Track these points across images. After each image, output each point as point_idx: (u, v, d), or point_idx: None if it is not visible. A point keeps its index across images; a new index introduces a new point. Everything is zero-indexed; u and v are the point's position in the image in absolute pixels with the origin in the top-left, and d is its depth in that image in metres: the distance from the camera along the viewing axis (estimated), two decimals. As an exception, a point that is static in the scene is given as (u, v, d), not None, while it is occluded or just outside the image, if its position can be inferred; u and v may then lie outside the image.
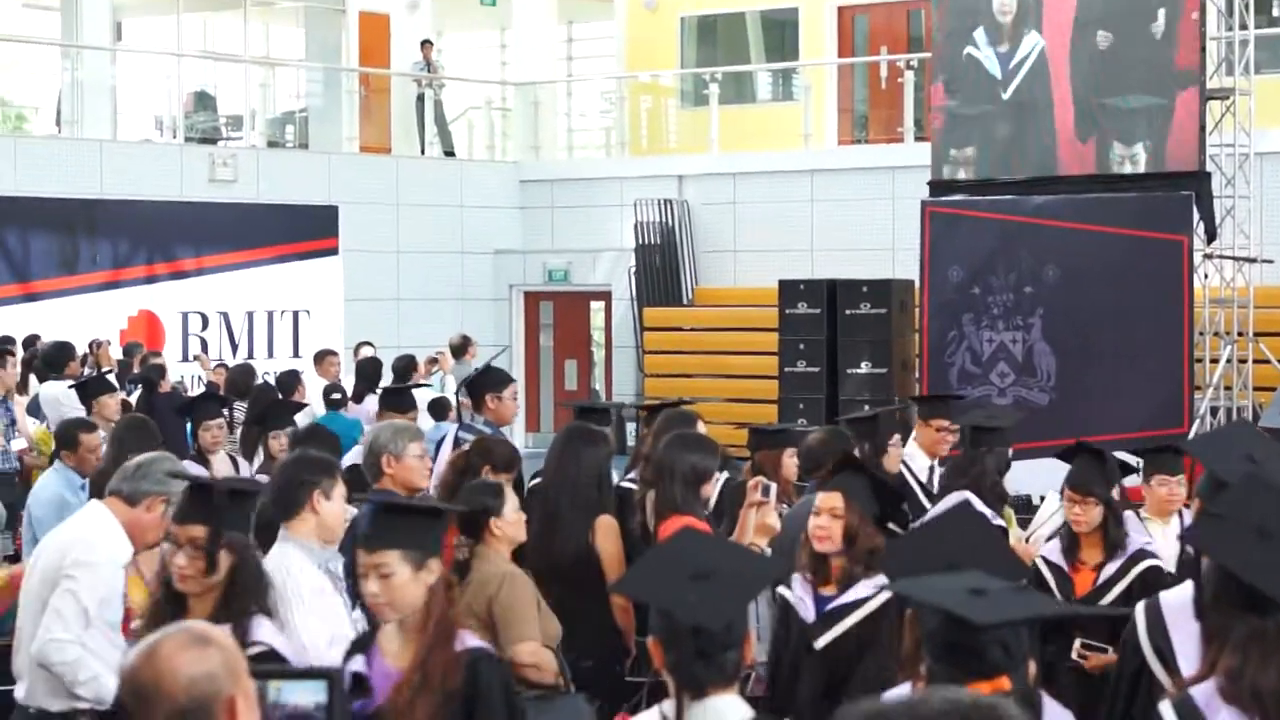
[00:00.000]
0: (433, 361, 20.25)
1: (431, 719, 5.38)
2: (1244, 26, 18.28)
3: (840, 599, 6.76)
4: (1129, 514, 8.60)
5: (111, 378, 15.93)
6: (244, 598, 5.84)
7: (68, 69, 25.25)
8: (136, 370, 18.25)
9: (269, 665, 6.05)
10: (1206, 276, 17.82)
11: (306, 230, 24.63)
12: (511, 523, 7.73)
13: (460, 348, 20.00)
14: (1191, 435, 15.22)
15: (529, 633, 7.53)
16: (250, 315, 24.22)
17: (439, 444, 11.04)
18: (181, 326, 23.51)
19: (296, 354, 23.97)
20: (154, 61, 26.89)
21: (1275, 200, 19.38)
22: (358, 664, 5.55)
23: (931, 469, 10.84)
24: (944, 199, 17.71)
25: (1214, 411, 17.64)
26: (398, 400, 13.01)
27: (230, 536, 5.86)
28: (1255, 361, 18.19)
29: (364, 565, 5.55)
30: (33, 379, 16.92)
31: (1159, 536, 8.47)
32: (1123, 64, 16.85)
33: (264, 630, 5.82)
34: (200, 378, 20.98)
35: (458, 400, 14.76)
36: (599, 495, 8.69)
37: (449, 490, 8.37)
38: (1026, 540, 9.32)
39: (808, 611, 6.80)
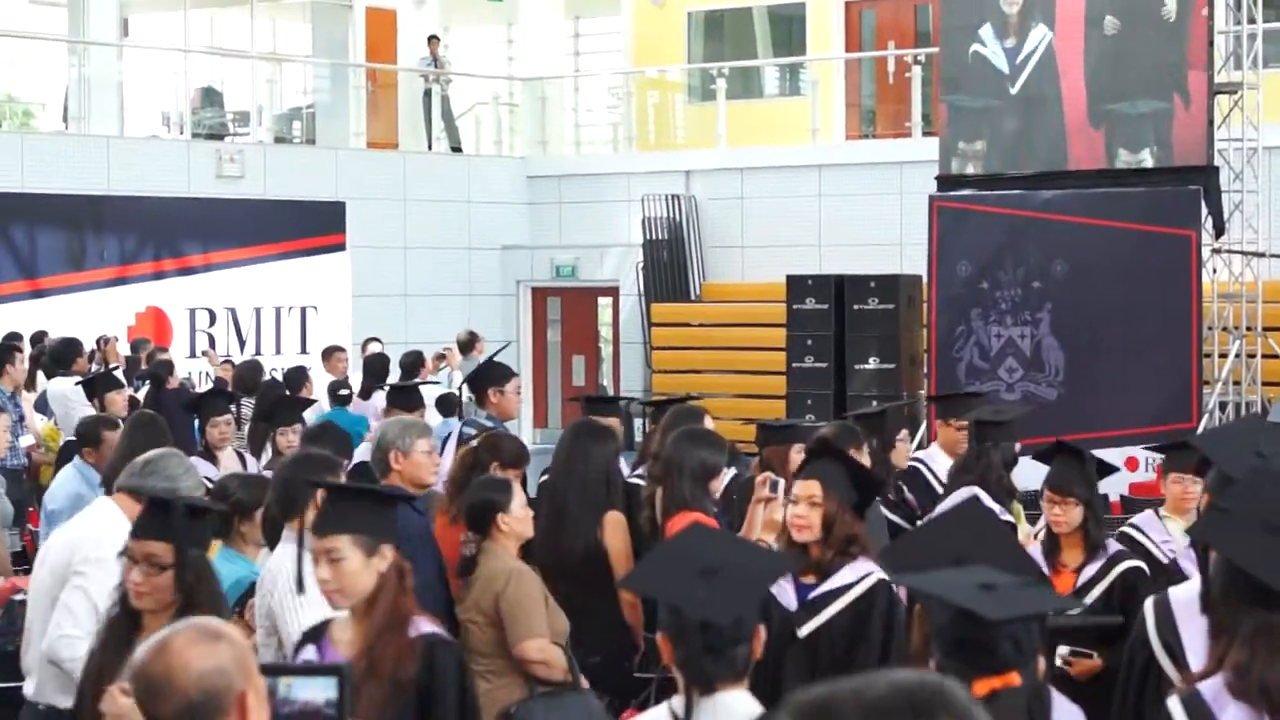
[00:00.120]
0: (440, 358, 20.23)
1: (380, 707, 5.29)
2: (1252, 21, 18.26)
3: (822, 587, 6.67)
4: (1148, 512, 8.57)
5: (119, 374, 15.97)
6: (199, 616, 5.70)
7: (75, 65, 25.26)
8: (144, 366, 18.26)
9: (279, 662, 6.09)
10: (1215, 271, 17.81)
11: (314, 226, 24.63)
12: (519, 519, 7.73)
13: (468, 344, 20.00)
14: (1200, 430, 15.20)
15: (537, 629, 7.53)
16: (258, 311, 24.22)
17: (446, 440, 11.04)
18: (189, 323, 23.52)
19: (304, 350, 23.97)
20: (161, 57, 26.90)
21: (1284, 194, 19.38)
22: (309, 654, 5.50)
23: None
24: (952, 194, 17.69)
25: (1223, 406, 17.62)
26: (405, 397, 13.01)
27: (187, 555, 5.69)
28: (1264, 356, 18.19)
29: (315, 550, 5.50)
30: (40, 375, 16.92)
31: (1178, 534, 8.42)
32: (1130, 61, 16.82)
33: None
34: (208, 374, 20.98)
35: (462, 395, 14.76)
36: (607, 491, 8.70)
37: (457, 486, 8.38)
38: (1035, 536, 9.30)
39: (789, 600, 6.70)
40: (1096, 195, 16.81)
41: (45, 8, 28.40)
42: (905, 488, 10.69)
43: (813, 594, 6.68)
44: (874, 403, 16.66)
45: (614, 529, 8.54)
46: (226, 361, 20.43)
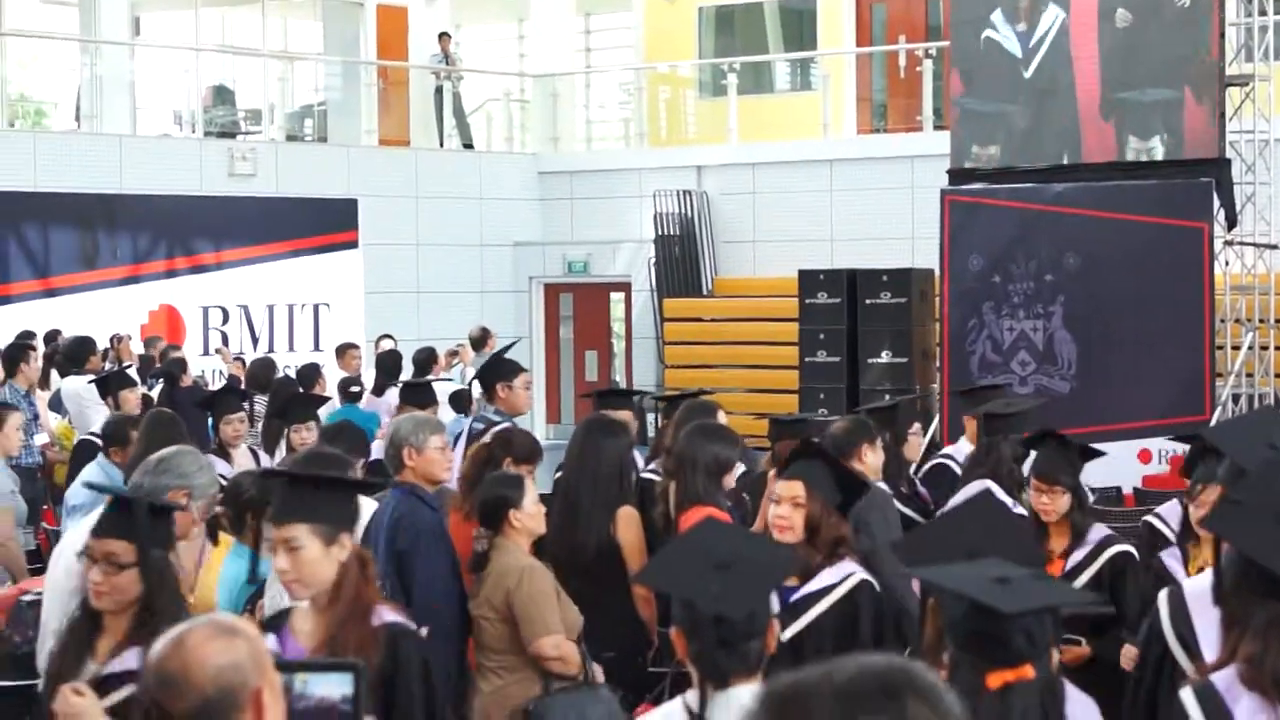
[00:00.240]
0: (453, 354, 20.26)
1: None
2: (1263, 13, 18.23)
3: (805, 589, 6.58)
4: (1173, 501, 8.56)
5: (133, 372, 15.99)
6: (159, 617, 5.40)
7: (86, 64, 25.29)
8: (158, 365, 18.29)
9: (295, 659, 6.10)
10: (1227, 263, 17.79)
11: (326, 223, 24.66)
12: (531, 515, 7.74)
13: (480, 340, 20.02)
14: (1213, 422, 15.19)
15: (552, 625, 7.55)
16: (270, 309, 24.25)
17: (459, 436, 11.06)
18: (202, 321, 23.55)
19: (317, 347, 24.00)
20: (172, 56, 26.93)
21: (1295, 186, 19.35)
22: (270, 643, 5.28)
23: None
24: (963, 188, 17.68)
25: (1235, 398, 17.60)
26: (418, 395, 13.02)
27: (148, 554, 5.55)
28: (1277, 348, 18.17)
29: (273, 539, 5.43)
30: (54, 374, 16.96)
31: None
32: (1142, 53, 16.80)
33: None
34: (221, 371, 21.02)
35: (473, 392, 14.78)
36: (620, 487, 8.70)
37: (470, 482, 8.39)
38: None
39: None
40: (1108, 188, 16.79)
41: (57, 7, 28.44)
42: (920, 482, 10.70)
43: (794, 596, 6.56)
44: (886, 397, 16.67)
45: (627, 524, 8.55)
46: (238, 359, 20.46)
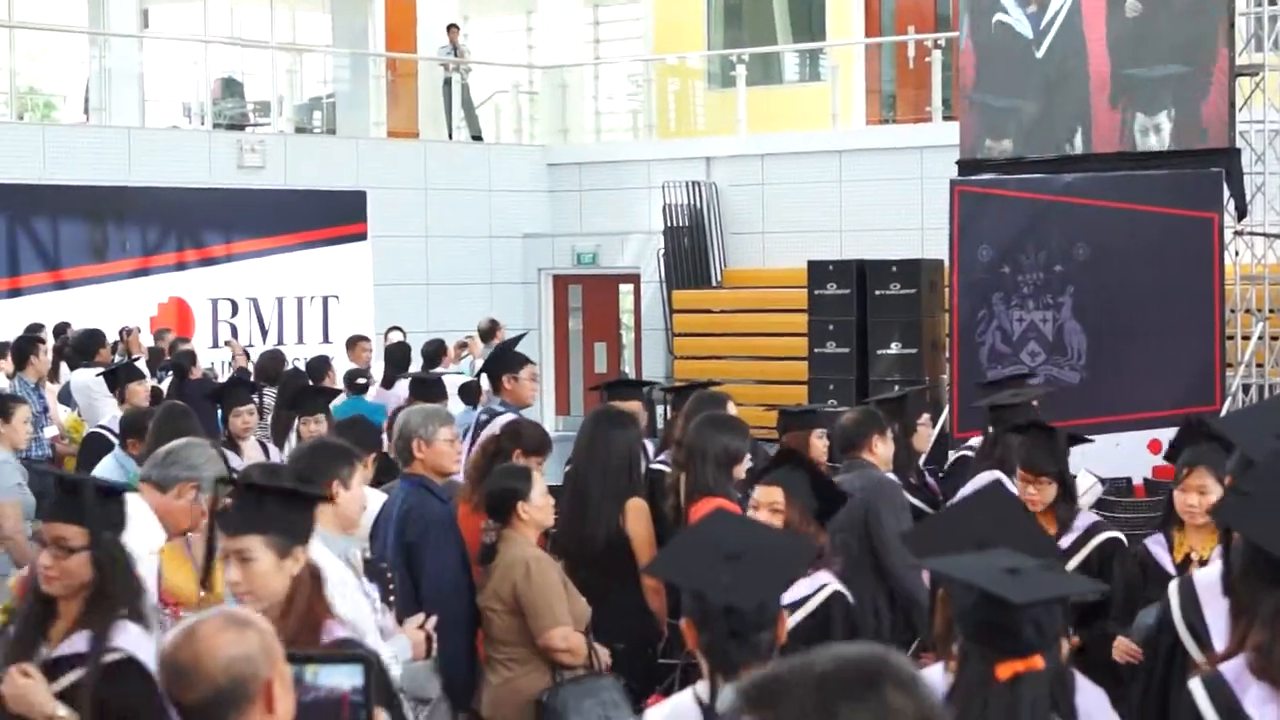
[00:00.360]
0: (462, 346, 20.28)
1: None
2: (1273, 2, 18.19)
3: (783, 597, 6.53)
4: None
5: (142, 365, 16.01)
6: (110, 601, 5.39)
7: (95, 57, 25.31)
8: (167, 357, 18.31)
9: (305, 650, 6.10)
10: (1237, 253, 17.75)
11: (335, 216, 24.68)
12: (539, 507, 7.75)
13: (489, 332, 20.03)
14: (1223, 413, 15.18)
15: (561, 617, 7.56)
16: (280, 301, 24.28)
17: (469, 429, 11.06)
18: (211, 313, 23.58)
19: (326, 339, 24.03)
20: (181, 48, 26.95)
21: (1306, 177, 19.32)
22: None
23: None
24: (973, 178, 17.66)
25: (1246, 389, 17.58)
26: (428, 390, 13.02)
27: (99, 538, 5.44)
28: (1287, 338, 18.15)
29: (225, 549, 5.34)
30: (64, 366, 16.98)
31: None
32: (1150, 37, 16.77)
33: (128, 636, 5.38)
34: (226, 363, 21.03)
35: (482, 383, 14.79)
36: (629, 479, 8.70)
37: (479, 474, 8.39)
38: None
39: None
40: (1118, 178, 16.76)
41: (65, -1, 28.49)
42: (944, 475, 10.70)
43: None
44: (896, 388, 16.66)
45: (636, 516, 8.55)
46: (243, 351, 20.47)
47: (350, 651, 4.85)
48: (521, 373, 11.15)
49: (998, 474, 8.89)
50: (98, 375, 14.62)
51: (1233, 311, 17.45)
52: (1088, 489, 9.47)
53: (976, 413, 11.78)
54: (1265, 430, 5.70)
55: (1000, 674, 4.21)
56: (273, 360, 17.20)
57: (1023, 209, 17.14)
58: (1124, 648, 7.11)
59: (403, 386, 15.44)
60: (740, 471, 8.35)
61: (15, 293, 21.75)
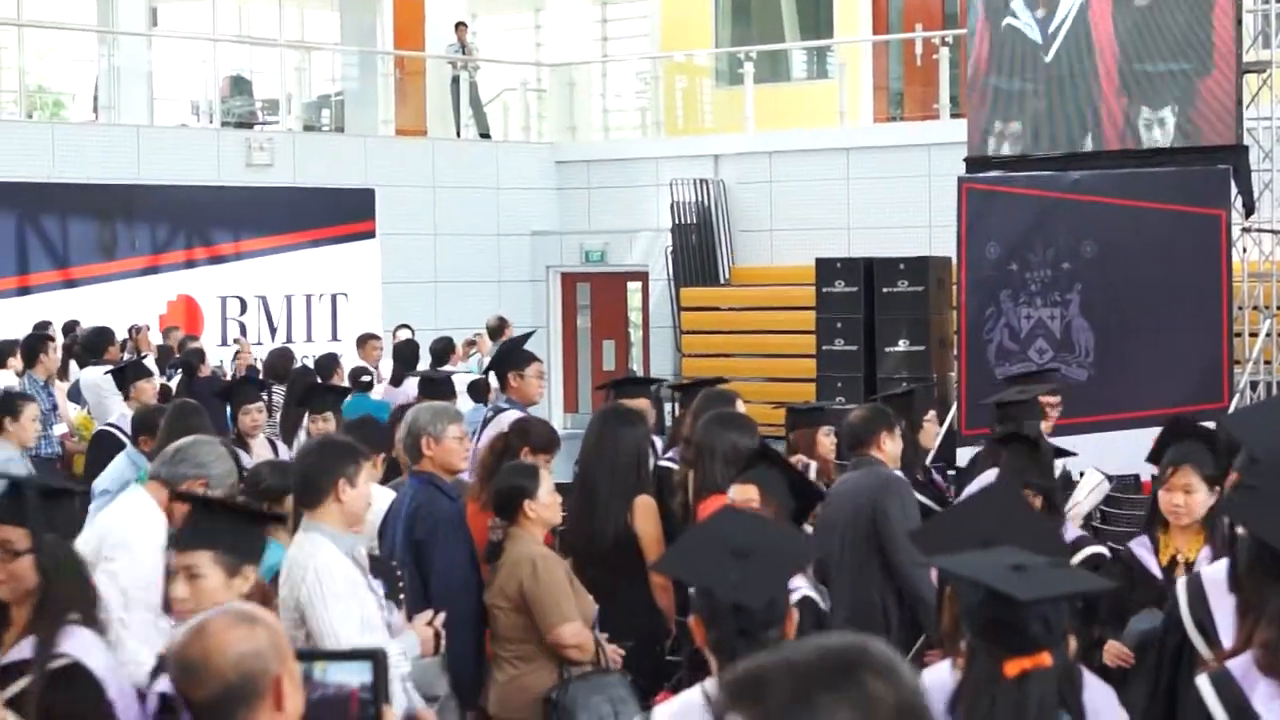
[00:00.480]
0: (470, 344, 20.29)
1: None
2: (1281, -1, 18.20)
3: None
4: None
5: (152, 362, 16.03)
6: (57, 606, 5.17)
7: (104, 55, 25.34)
8: (176, 355, 18.33)
9: (313, 648, 6.11)
10: (1245, 250, 17.75)
11: (343, 213, 24.70)
12: (546, 505, 7.75)
13: (497, 330, 20.03)
14: (1231, 409, 15.17)
15: (569, 614, 7.57)
16: (289, 299, 24.30)
17: (478, 427, 11.07)
18: (220, 311, 23.61)
19: (335, 337, 24.05)
20: (190, 46, 26.97)
21: (1314, 173, 19.30)
22: (162, 685, 5.02)
23: None
24: (980, 175, 17.65)
25: (1254, 386, 17.57)
26: (436, 388, 13.03)
27: (41, 540, 5.24)
28: (1294, 335, 18.13)
29: (174, 565, 5.25)
30: (73, 364, 17.00)
31: None
32: (1157, 33, 16.76)
33: (77, 642, 5.15)
34: (230, 361, 21.05)
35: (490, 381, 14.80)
36: (637, 476, 8.70)
37: (488, 471, 8.40)
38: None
39: None
40: (1125, 175, 16.75)
41: (74, -2, 28.50)
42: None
43: None
44: (904, 385, 16.67)
45: (644, 513, 8.56)
46: (241, 350, 20.46)
47: (360, 649, 4.85)
48: (528, 370, 11.15)
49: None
50: (106, 373, 14.65)
51: (1240, 308, 17.44)
52: (1095, 486, 9.47)
53: (985, 410, 11.78)
54: (1271, 427, 5.71)
55: (1008, 671, 4.22)
56: (281, 358, 17.23)
57: (1030, 206, 17.14)
58: (1115, 651, 7.07)
59: (411, 384, 15.46)
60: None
61: (25, 291, 21.78)
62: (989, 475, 8.87)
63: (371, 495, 7.05)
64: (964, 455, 13.92)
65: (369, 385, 16.47)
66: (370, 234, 24.93)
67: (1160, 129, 16.74)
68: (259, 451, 11.13)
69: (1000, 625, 4.23)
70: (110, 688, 5.02)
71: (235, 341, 22.04)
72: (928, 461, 11.03)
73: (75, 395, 15.75)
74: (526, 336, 13.01)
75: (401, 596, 7.13)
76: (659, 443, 10.56)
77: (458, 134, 27.42)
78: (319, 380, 15.37)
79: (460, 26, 27.93)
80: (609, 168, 26.99)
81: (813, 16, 29.58)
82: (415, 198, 25.51)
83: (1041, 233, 17.00)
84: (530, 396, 11.14)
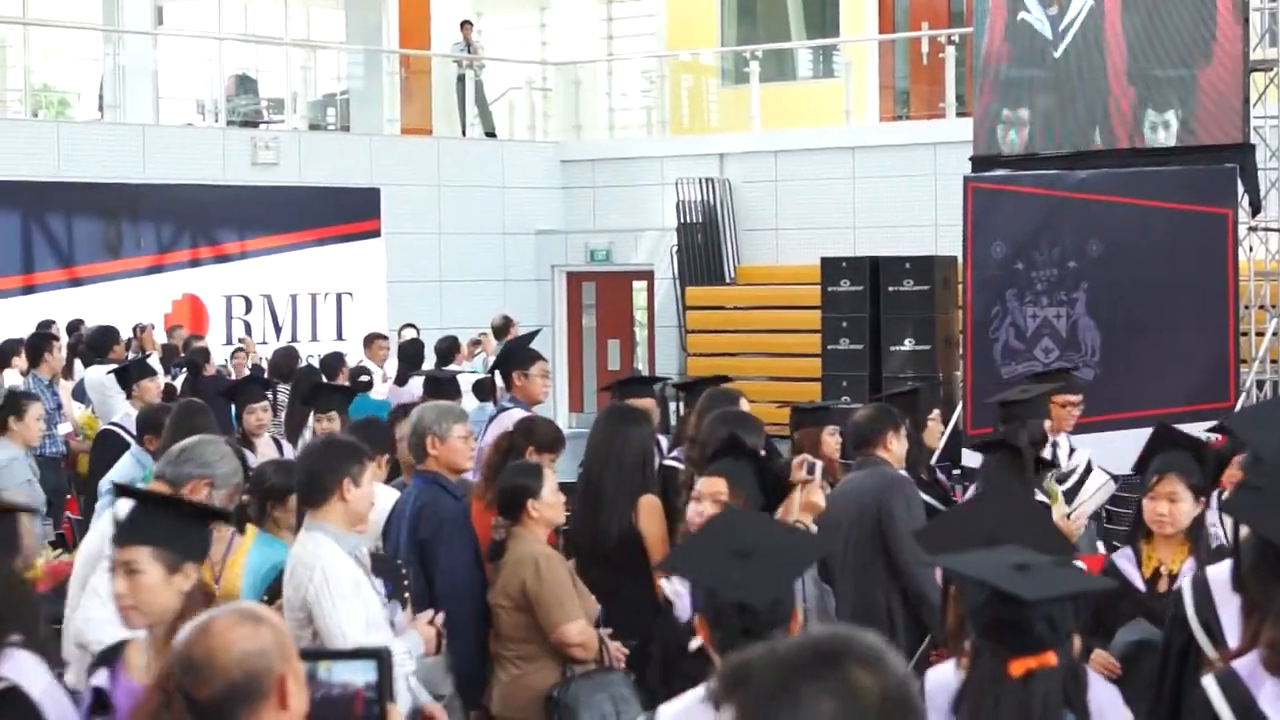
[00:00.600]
0: (475, 343, 20.29)
1: None
2: (1287, -3, 18.18)
3: None
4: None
5: (156, 361, 16.03)
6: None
7: (109, 54, 25.36)
8: (181, 354, 18.35)
9: (319, 647, 6.10)
10: (1251, 249, 17.73)
11: (349, 212, 24.70)
12: (550, 505, 7.75)
13: (502, 329, 20.03)
14: (1237, 408, 15.16)
15: (574, 612, 7.56)
16: (294, 298, 24.32)
17: (484, 426, 11.07)
18: (225, 310, 23.61)
19: (340, 336, 24.06)
20: (195, 45, 26.97)
21: (1320, 172, 19.27)
22: (100, 679, 5.02)
23: (1055, 445, 10.62)
24: (986, 175, 17.65)
25: (1260, 385, 17.56)
26: (441, 387, 13.02)
27: None
28: (1301, 334, 18.11)
29: (113, 561, 5.09)
30: (78, 364, 17.01)
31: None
32: (1165, 33, 16.75)
33: (15, 665, 4.92)
34: (229, 361, 21.07)
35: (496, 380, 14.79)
36: (643, 475, 8.69)
37: (492, 471, 8.39)
38: (1068, 516, 9.30)
39: (684, 609, 6.31)
40: (1132, 174, 16.74)
41: (80, -3, 28.51)
42: (938, 470, 10.69)
43: None
44: (909, 385, 16.66)
45: (649, 513, 8.54)
46: (239, 350, 20.47)
47: (365, 648, 4.85)
48: (533, 369, 11.14)
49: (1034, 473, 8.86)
50: (109, 373, 14.66)
51: (1247, 307, 17.42)
52: (1100, 486, 9.46)
53: (990, 409, 11.77)
54: (1275, 426, 5.69)
55: (1013, 671, 4.22)
56: (286, 357, 17.24)
57: (1036, 205, 17.13)
58: (1102, 660, 7.02)
59: (416, 384, 15.45)
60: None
61: (30, 290, 21.80)
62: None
63: (375, 495, 7.04)
64: (970, 454, 13.89)
65: (368, 385, 16.46)
66: (375, 233, 24.94)
67: (1165, 131, 16.73)
68: (264, 451, 11.12)
69: (1005, 625, 4.22)
70: (50, 714, 4.90)
71: (240, 341, 22.05)
72: (932, 461, 11.01)
73: (80, 394, 15.75)
74: (532, 336, 13.00)
75: (406, 596, 7.12)
76: (664, 442, 10.54)
77: (463, 133, 27.42)
78: (324, 379, 15.37)
79: (465, 25, 27.93)
80: (614, 167, 26.98)
81: (819, 15, 29.59)
82: (420, 197, 25.51)
83: (1047, 232, 17.00)
84: (535, 396, 11.12)
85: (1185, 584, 5.50)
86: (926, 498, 9.42)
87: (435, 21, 28.81)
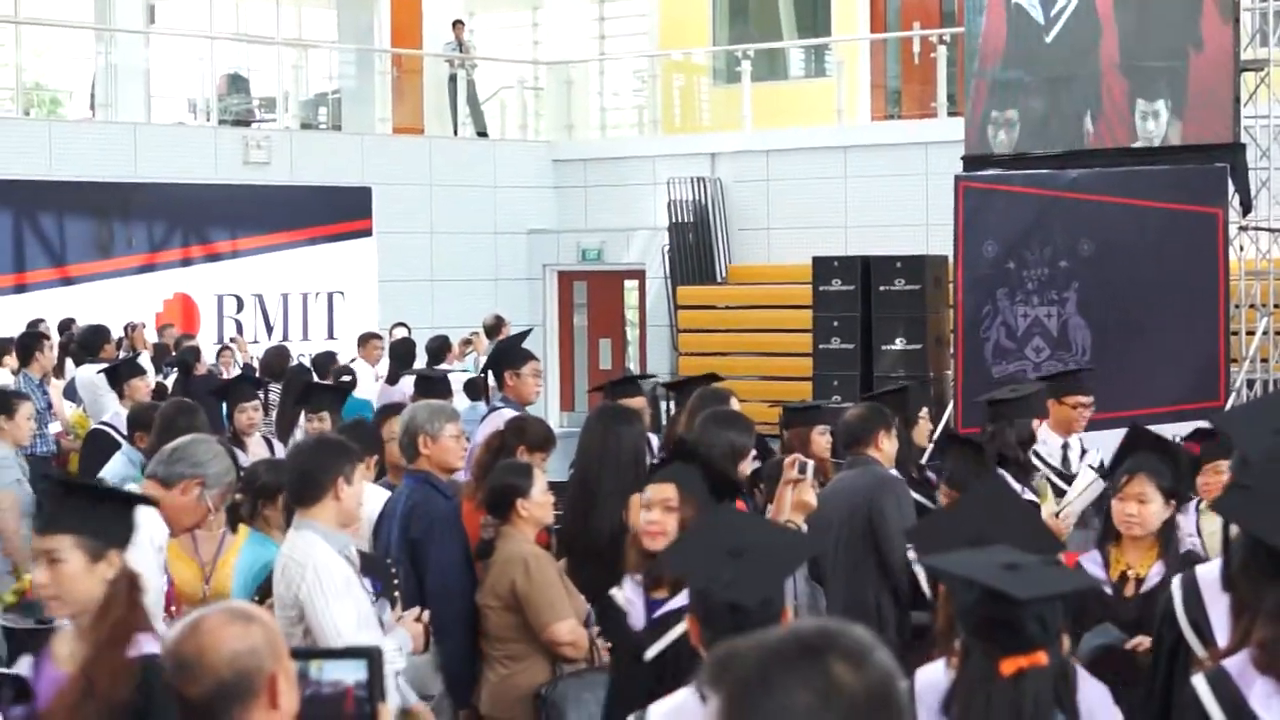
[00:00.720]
0: (466, 343, 20.29)
1: None
2: (1279, -3, 18.19)
3: (672, 603, 5.93)
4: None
5: (148, 360, 16.01)
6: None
7: (101, 52, 25.34)
8: (172, 353, 18.33)
9: (309, 646, 6.10)
10: (1242, 249, 17.75)
11: (340, 212, 24.69)
12: (539, 504, 7.75)
13: (494, 328, 20.03)
14: (1228, 408, 15.18)
15: (564, 611, 7.57)
16: (285, 297, 24.30)
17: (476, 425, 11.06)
18: (217, 309, 23.60)
19: (331, 335, 24.05)
20: (187, 44, 26.95)
21: (1311, 172, 19.30)
22: (24, 666, 4.99)
23: (1066, 447, 10.61)
24: (978, 174, 17.66)
25: (1250, 384, 17.57)
26: (432, 386, 13.01)
27: None
28: (1291, 333, 18.13)
29: (35, 549, 5.04)
30: (69, 363, 16.99)
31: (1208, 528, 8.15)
32: (1156, 29, 16.75)
33: None
34: (237, 359, 21.07)
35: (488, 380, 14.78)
36: (635, 474, 8.68)
37: (483, 470, 8.40)
38: (1057, 515, 9.30)
39: (638, 618, 6.22)
40: (1123, 174, 16.76)
41: (71, -5, 28.49)
42: (928, 469, 10.68)
43: (660, 611, 6.01)
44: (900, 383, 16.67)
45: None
46: (224, 348, 20.45)
47: (355, 647, 4.85)
48: (524, 369, 11.14)
49: (997, 470, 8.87)
50: (99, 372, 14.64)
51: (1237, 307, 17.44)
52: (1088, 485, 9.44)
53: (981, 408, 11.78)
54: (1261, 426, 5.69)
55: (1004, 670, 4.22)
56: (278, 356, 17.22)
57: (1028, 205, 17.15)
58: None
59: (407, 383, 15.44)
60: (745, 468, 8.35)
61: (21, 289, 21.78)
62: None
63: (364, 495, 7.05)
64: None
65: (351, 385, 16.44)
66: (367, 232, 24.93)
67: (1155, 121, 16.74)
68: (255, 450, 11.12)
69: (997, 624, 4.23)
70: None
71: (231, 340, 22.04)
72: (922, 460, 11.01)
73: (71, 393, 15.74)
74: (523, 335, 12.98)
75: (396, 595, 7.12)
76: (655, 441, 10.54)
77: (455, 132, 27.41)
78: (316, 379, 15.36)
79: (457, 25, 27.92)
80: (606, 166, 26.98)
81: (810, 15, 29.57)
82: (412, 196, 25.50)
83: (1039, 231, 17.01)
84: (527, 396, 11.12)
85: (1175, 583, 5.50)
86: (916, 496, 9.43)
87: (427, 21, 28.79)
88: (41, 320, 18.51)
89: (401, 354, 17.51)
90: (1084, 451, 10.57)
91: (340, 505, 6.58)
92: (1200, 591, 5.34)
